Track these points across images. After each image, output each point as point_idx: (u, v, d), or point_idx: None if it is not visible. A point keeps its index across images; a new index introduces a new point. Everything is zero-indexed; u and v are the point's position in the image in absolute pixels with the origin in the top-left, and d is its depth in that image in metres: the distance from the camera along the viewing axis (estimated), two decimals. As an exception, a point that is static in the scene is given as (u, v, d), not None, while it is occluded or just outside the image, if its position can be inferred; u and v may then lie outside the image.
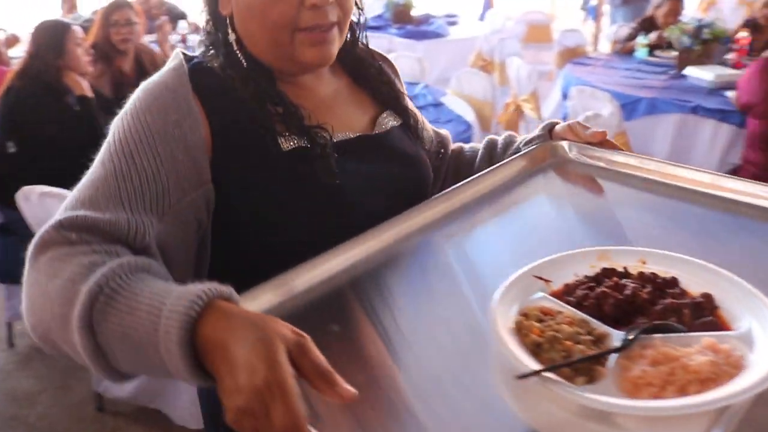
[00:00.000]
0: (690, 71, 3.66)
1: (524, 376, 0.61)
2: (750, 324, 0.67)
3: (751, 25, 3.97)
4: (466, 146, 1.24)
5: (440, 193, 0.99)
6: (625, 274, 0.77)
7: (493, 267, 0.88)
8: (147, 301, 0.63)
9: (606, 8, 6.61)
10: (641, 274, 0.76)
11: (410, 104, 1.07)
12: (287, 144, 0.88)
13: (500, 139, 1.20)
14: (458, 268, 0.90)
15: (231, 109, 0.87)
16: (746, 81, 2.95)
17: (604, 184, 1.07)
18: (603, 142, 1.09)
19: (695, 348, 0.64)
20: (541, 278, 0.78)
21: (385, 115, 1.01)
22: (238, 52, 0.90)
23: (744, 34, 3.84)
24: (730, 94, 3.15)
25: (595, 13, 6.96)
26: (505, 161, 1.08)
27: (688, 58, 3.76)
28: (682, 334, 0.66)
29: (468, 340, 0.75)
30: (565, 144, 1.12)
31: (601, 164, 1.09)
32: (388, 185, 0.97)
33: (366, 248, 0.87)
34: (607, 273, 0.77)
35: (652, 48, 4.22)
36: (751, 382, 0.58)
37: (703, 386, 0.60)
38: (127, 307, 0.64)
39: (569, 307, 0.72)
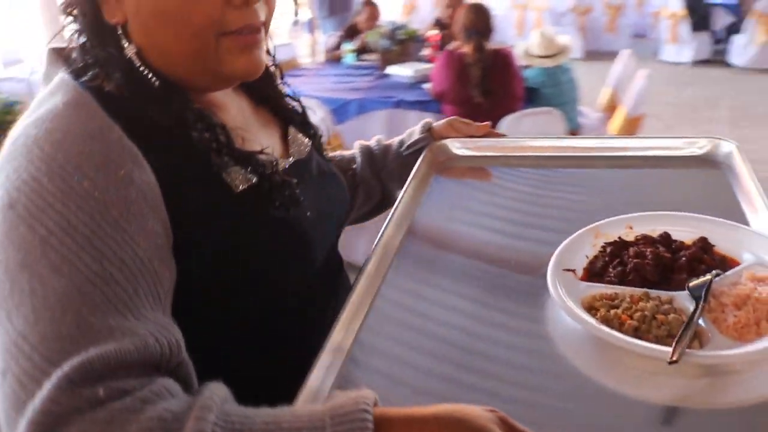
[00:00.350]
0: (392, 70, 4.02)
1: (675, 360, 0.64)
2: (748, 251, 0.81)
3: (439, 24, 4.51)
4: (334, 155, 1.19)
5: (382, 232, 0.95)
6: (629, 243, 0.85)
7: (478, 283, 0.89)
8: None
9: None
10: (644, 237, 0.85)
11: (311, 116, 1.00)
12: (234, 180, 0.75)
13: (372, 144, 1.18)
14: (461, 296, 0.88)
15: (158, 143, 0.70)
16: (436, 72, 3.38)
17: (499, 170, 1.14)
18: (488, 134, 1.16)
19: (746, 284, 0.74)
20: (568, 270, 0.81)
21: (291, 133, 0.93)
22: (142, 68, 0.73)
23: (435, 32, 4.35)
24: (427, 86, 3.55)
25: (310, 27, 7.29)
26: (412, 175, 1.07)
27: (388, 58, 4.15)
28: (723, 275, 0.76)
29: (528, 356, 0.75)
30: (447, 142, 1.16)
31: (490, 153, 1.16)
32: (330, 210, 0.92)
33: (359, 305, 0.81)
34: (616, 246, 0.84)
35: (359, 53, 4.54)
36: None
37: (775, 312, 0.71)
38: None
39: (621, 286, 0.77)
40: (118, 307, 0.57)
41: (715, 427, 0.64)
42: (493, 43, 3.33)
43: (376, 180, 1.15)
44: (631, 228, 0.88)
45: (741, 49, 7.77)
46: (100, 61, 0.73)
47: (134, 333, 0.55)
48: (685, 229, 0.86)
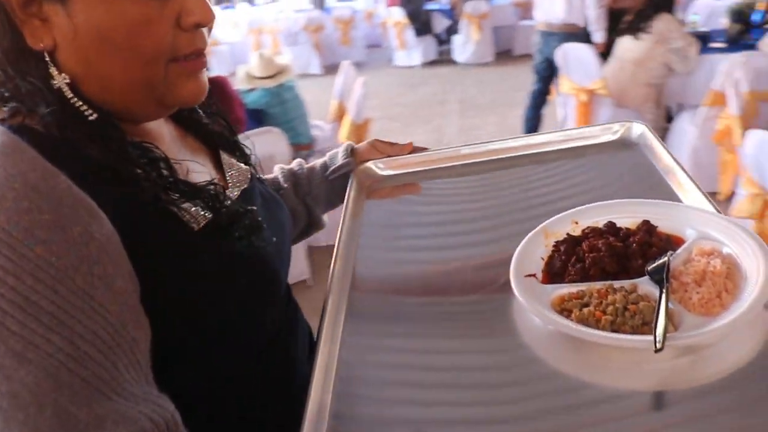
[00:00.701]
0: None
1: (661, 348, 0.67)
2: (689, 226, 0.86)
3: None
4: None
5: (330, 279, 0.92)
6: (579, 238, 0.88)
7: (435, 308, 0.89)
8: None
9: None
10: (592, 230, 0.88)
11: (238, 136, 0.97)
12: (192, 218, 0.72)
13: (295, 168, 1.17)
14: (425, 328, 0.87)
15: (106, 186, 0.65)
16: None
17: (428, 184, 1.15)
18: (412, 151, 1.16)
19: (699, 259, 0.79)
20: (529, 275, 0.83)
21: (225, 159, 0.89)
22: (74, 100, 0.67)
23: None
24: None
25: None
26: (345, 206, 1.06)
27: None
28: (674, 254, 0.80)
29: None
30: (371, 164, 1.16)
31: (416, 169, 1.17)
32: (283, 237, 0.90)
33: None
34: (568, 243, 0.87)
35: None
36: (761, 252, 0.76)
37: (731, 280, 0.76)
38: None
39: (585, 283, 0.80)
40: (101, 389, 0.52)
41: (706, 401, 0.67)
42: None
43: (302, 205, 1.14)
44: (576, 223, 0.91)
45: (461, 48, 8.98)
46: (20, 95, 0.66)
47: (127, 418, 0.51)
48: (626, 215, 0.90)
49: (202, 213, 0.73)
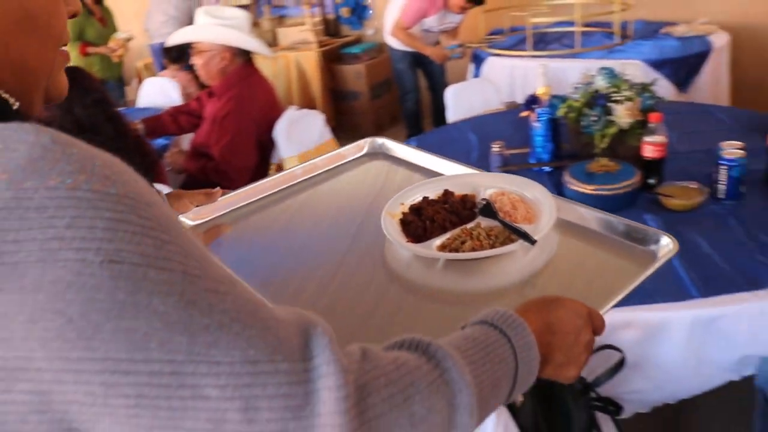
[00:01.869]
0: None
1: (536, 240, 1.04)
2: (472, 185, 1.26)
3: None
4: None
5: None
6: (415, 211, 1.19)
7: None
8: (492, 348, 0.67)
9: None
10: (419, 204, 1.21)
11: None
12: None
13: None
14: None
15: None
16: None
17: (240, 224, 1.30)
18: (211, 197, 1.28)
19: (501, 198, 1.20)
20: (408, 241, 1.12)
21: None
22: None
23: None
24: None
25: None
26: None
27: None
28: (485, 198, 1.19)
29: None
30: (181, 218, 1.25)
31: (221, 212, 1.31)
32: None
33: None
34: (412, 215, 1.18)
35: None
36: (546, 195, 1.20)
37: (524, 202, 1.19)
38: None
39: (447, 233, 1.12)
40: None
41: (556, 274, 1.06)
42: None
43: None
44: (402, 204, 1.22)
45: None
46: None
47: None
48: (430, 190, 1.25)
49: None
